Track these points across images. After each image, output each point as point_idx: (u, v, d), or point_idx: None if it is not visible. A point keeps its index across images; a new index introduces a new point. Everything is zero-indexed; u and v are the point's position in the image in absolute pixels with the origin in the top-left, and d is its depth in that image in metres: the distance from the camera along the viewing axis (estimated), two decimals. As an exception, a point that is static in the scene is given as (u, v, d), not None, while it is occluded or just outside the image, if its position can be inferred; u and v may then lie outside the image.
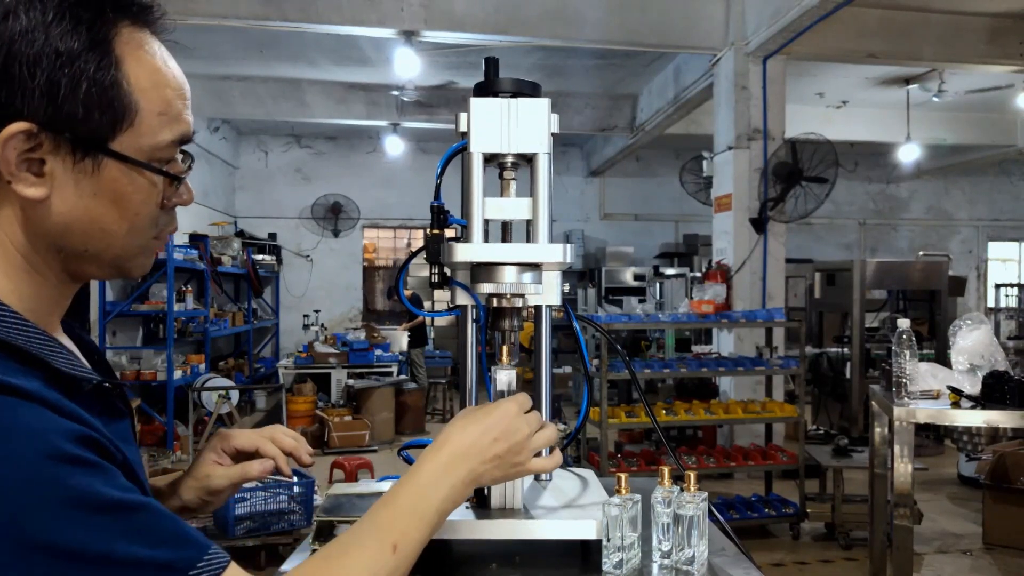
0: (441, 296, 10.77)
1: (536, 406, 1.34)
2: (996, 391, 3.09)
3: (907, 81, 9.11)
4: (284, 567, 1.08)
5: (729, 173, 6.80)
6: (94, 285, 7.30)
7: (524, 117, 1.19)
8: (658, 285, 11.18)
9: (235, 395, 7.80)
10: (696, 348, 6.90)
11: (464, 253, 1.15)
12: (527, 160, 1.22)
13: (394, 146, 11.45)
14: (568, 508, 1.20)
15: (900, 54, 7.19)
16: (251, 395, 9.77)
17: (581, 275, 12.53)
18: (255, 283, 10.85)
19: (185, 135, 0.79)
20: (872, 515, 3.90)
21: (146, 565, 0.63)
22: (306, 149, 12.57)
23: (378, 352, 9.02)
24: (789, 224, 6.67)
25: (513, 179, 1.25)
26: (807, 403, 6.26)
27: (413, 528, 0.85)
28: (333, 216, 12.35)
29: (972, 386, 3.18)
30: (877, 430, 3.71)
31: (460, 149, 1.22)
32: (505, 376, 1.11)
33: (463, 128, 1.19)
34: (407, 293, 1.30)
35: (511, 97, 1.20)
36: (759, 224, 6.62)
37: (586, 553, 1.15)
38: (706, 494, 1.14)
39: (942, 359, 5.11)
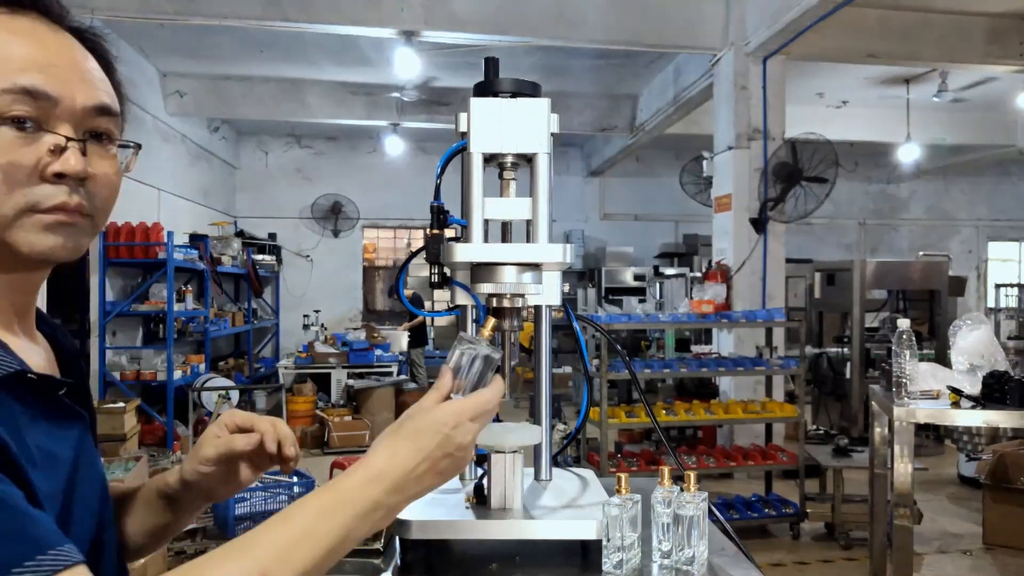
0: (441, 296, 10.77)
1: (536, 406, 1.34)
2: (996, 391, 3.09)
3: (907, 81, 9.11)
4: None
5: (729, 173, 6.80)
6: (94, 285, 7.30)
7: (524, 117, 1.19)
8: (658, 285, 11.18)
9: (235, 395, 7.80)
10: (696, 348, 6.89)
11: (464, 253, 1.15)
12: (527, 160, 1.22)
13: (394, 146, 11.45)
14: (568, 508, 1.20)
15: (900, 54, 7.19)
16: (251, 395, 9.76)
17: (581, 275, 12.53)
18: (255, 283, 10.85)
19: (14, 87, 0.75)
20: (872, 515, 3.90)
21: None
22: (306, 149, 12.57)
23: (378, 352, 9.01)
24: (789, 224, 6.67)
25: (513, 179, 1.25)
26: (807, 403, 6.26)
27: (298, 556, 0.74)
28: (333, 216, 12.35)
29: (972, 386, 3.18)
30: (877, 430, 3.71)
31: (460, 149, 1.22)
32: (467, 354, 0.93)
33: (463, 128, 1.20)
34: (407, 293, 1.30)
35: (511, 97, 1.20)
36: (759, 224, 6.62)
37: (586, 553, 1.15)
38: (706, 494, 1.14)
39: (942, 359, 5.12)
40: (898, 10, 6.83)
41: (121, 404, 6.34)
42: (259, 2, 6.29)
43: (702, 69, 7.54)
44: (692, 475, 1.13)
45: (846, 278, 7.58)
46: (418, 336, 10.19)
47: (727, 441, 6.27)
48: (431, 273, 1.19)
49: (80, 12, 6.24)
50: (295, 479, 4.38)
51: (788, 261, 7.10)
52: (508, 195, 1.25)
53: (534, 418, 1.32)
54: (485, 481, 1.21)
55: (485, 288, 1.16)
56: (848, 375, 7.44)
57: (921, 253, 11.07)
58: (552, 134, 1.20)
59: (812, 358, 7.72)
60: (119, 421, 6.16)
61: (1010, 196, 14.02)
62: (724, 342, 6.82)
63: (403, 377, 8.96)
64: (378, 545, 1.25)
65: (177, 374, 7.54)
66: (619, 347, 1.70)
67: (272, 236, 12.06)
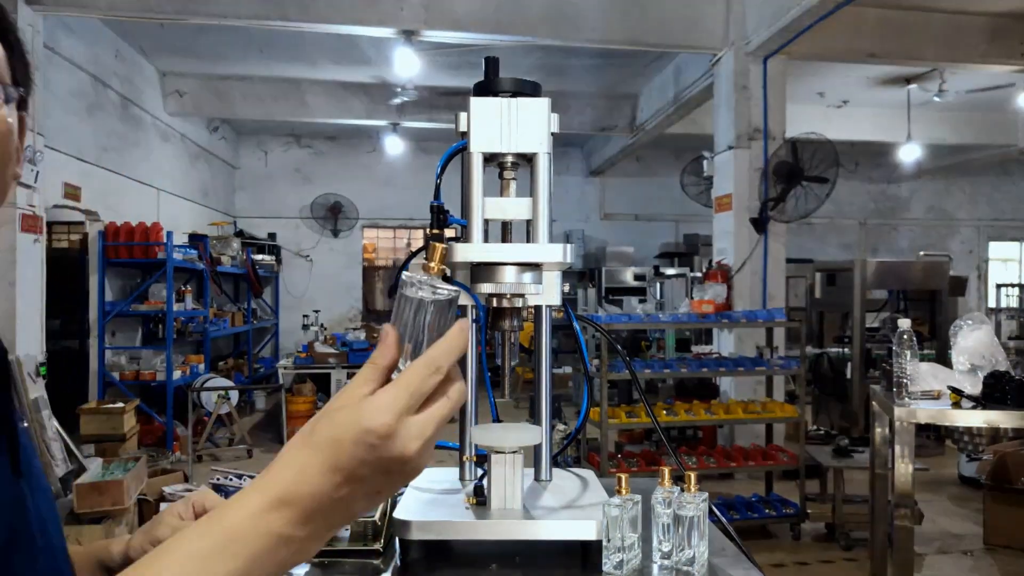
0: (441, 296, 10.74)
1: (536, 406, 1.34)
2: (997, 391, 3.09)
3: (908, 81, 9.11)
4: None
5: (729, 173, 6.80)
6: (93, 285, 7.30)
7: (524, 117, 1.19)
8: (658, 285, 11.17)
9: (234, 395, 7.80)
10: (696, 348, 6.89)
11: (464, 253, 1.14)
12: (527, 160, 1.22)
13: (394, 146, 11.45)
14: (568, 508, 1.20)
15: (901, 54, 7.19)
16: (251, 395, 9.77)
17: (581, 275, 12.53)
18: (255, 283, 10.85)
19: None
20: (873, 515, 3.90)
21: None
22: (306, 149, 12.57)
23: (378, 352, 8.99)
24: (790, 224, 6.67)
25: (513, 179, 1.25)
26: (807, 403, 6.25)
27: None
28: (333, 216, 12.35)
29: (973, 386, 3.17)
30: (878, 430, 3.70)
31: (460, 149, 1.21)
32: (410, 304, 0.66)
33: (463, 128, 1.19)
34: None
35: (511, 97, 1.19)
36: (759, 224, 6.62)
37: (586, 554, 1.15)
38: (706, 494, 1.14)
39: (943, 359, 5.11)
40: (898, 10, 6.83)
41: (120, 404, 6.33)
42: (258, 1, 6.28)
43: (702, 69, 7.54)
44: (692, 475, 1.12)
45: (847, 278, 7.57)
46: (418, 336, 10.17)
47: (727, 441, 6.27)
48: (431, 273, 1.19)
49: (80, 12, 6.26)
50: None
51: (789, 261, 7.10)
52: (508, 195, 1.24)
53: (534, 418, 1.32)
54: (485, 481, 1.20)
55: (485, 288, 1.16)
56: (849, 375, 7.43)
57: (922, 253, 11.07)
58: (552, 134, 1.20)
59: (813, 358, 7.72)
60: (118, 421, 6.16)
61: (1011, 196, 14.02)
62: (724, 342, 6.82)
63: (403, 377, 8.93)
64: (378, 545, 1.25)
65: (176, 374, 7.54)
66: (619, 347, 1.70)
67: (272, 236, 12.06)
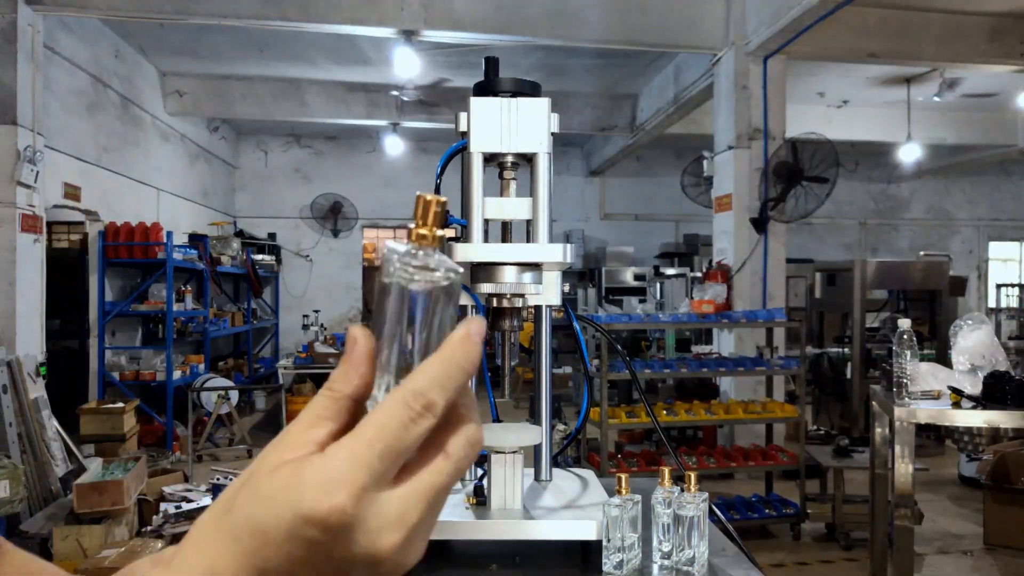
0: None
1: (536, 406, 1.34)
2: (997, 391, 3.09)
3: (908, 81, 9.11)
4: None
5: (729, 173, 6.80)
6: (93, 285, 7.30)
7: (524, 117, 1.18)
8: (658, 285, 11.17)
9: (234, 395, 7.80)
10: (696, 348, 6.89)
11: (464, 253, 1.14)
12: (527, 160, 1.22)
13: (394, 146, 11.45)
14: (568, 509, 1.20)
15: (901, 54, 7.19)
16: (250, 395, 9.77)
17: (581, 275, 12.52)
18: (254, 283, 10.85)
19: None
20: (873, 515, 3.89)
21: None
22: (306, 149, 12.57)
23: (378, 352, 8.98)
24: (790, 224, 6.67)
25: (513, 179, 1.25)
26: (807, 403, 6.25)
27: None
28: (333, 216, 12.35)
29: (973, 386, 3.17)
30: (878, 430, 3.70)
31: (460, 149, 1.21)
32: (402, 293, 0.42)
33: (463, 128, 1.19)
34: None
35: (511, 96, 1.19)
36: (760, 224, 6.62)
37: (586, 554, 1.14)
38: (706, 494, 1.14)
39: (943, 359, 5.11)
40: (898, 9, 6.83)
41: (120, 404, 6.34)
42: (258, 1, 6.28)
43: (702, 69, 7.54)
44: (692, 475, 1.12)
45: (847, 278, 7.58)
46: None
47: (727, 441, 6.27)
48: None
49: (80, 12, 6.26)
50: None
51: (789, 261, 7.10)
52: (508, 195, 1.24)
53: (534, 418, 1.32)
54: (485, 481, 1.20)
55: (485, 288, 1.16)
56: (849, 375, 7.43)
57: (922, 253, 11.08)
58: (552, 134, 1.20)
59: (813, 358, 7.72)
60: (118, 421, 6.16)
61: (1011, 196, 14.02)
62: (724, 342, 6.82)
63: (403, 377, 8.94)
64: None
65: (176, 374, 7.54)
66: (619, 347, 1.70)
67: (271, 236, 12.06)
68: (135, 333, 8.29)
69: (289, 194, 12.40)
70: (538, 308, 1.27)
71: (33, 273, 5.78)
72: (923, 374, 3.24)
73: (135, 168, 8.43)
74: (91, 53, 7.47)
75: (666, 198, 12.30)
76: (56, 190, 6.66)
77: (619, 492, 1.11)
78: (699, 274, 8.36)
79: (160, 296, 7.67)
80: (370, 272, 13.17)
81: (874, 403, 3.65)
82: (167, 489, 4.84)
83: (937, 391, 3.21)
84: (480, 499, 1.20)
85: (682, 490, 1.13)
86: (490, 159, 1.21)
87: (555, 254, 1.15)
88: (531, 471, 1.31)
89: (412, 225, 0.44)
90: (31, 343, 5.68)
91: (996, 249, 14.28)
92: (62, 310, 6.95)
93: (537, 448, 1.27)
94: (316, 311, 11.41)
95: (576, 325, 1.37)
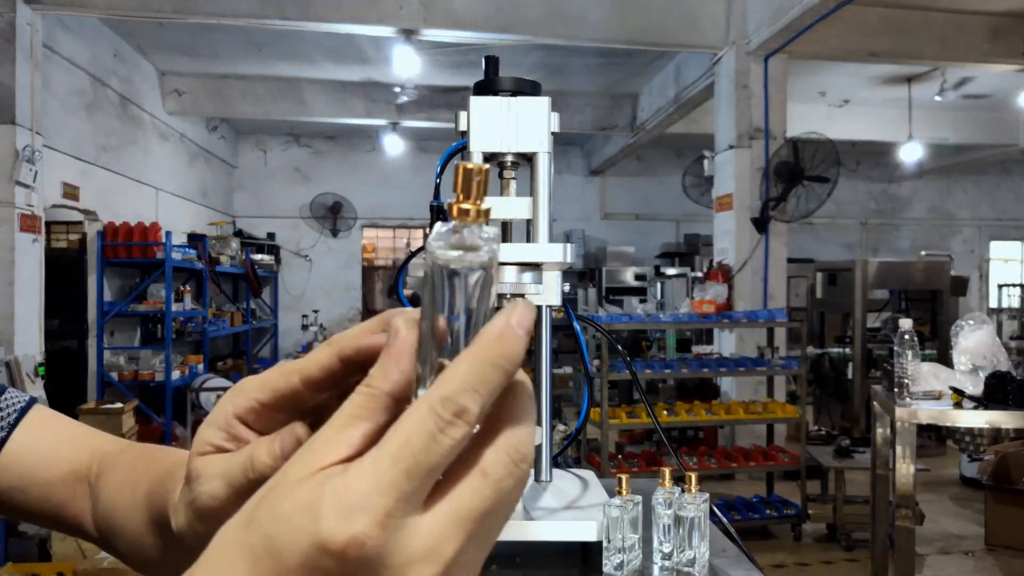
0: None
1: (536, 407, 1.32)
2: (998, 392, 3.08)
3: (909, 80, 9.10)
4: None
5: (730, 172, 6.79)
6: (92, 285, 7.30)
7: (524, 116, 1.18)
8: (659, 285, 11.17)
9: (235, 395, 7.78)
10: (697, 348, 6.89)
11: (463, 252, 1.13)
12: (527, 159, 1.21)
13: (393, 145, 11.45)
14: (569, 509, 1.19)
15: (902, 53, 7.18)
16: (251, 395, 9.74)
17: (581, 275, 12.51)
18: (254, 283, 10.84)
19: None
20: (874, 516, 3.89)
21: None
22: (305, 148, 12.57)
23: (378, 352, 8.98)
24: (791, 224, 6.66)
25: (513, 178, 1.24)
26: (808, 404, 6.24)
27: None
28: (332, 216, 12.34)
29: (974, 387, 3.17)
30: (879, 431, 3.70)
31: (460, 148, 1.20)
32: (469, 252, 0.36)
33: (463, 127, 1.18)
34: (407, 293, 1.28)
35: (511, 96, 1.18)
36: (760, 224, 6.61)
37: (587, 555, 1.14)
38: (707, 495, 1.13)
39: (944, 359, 5.10)
40: (900, 9, 6.82)
41: (119, 405, 6.33)
42: (258, 0, 6.28)
43: (703, 68, 7.54)
44: (693, 476, 1.11)
45: (848, 278, 7.57)
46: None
47: (728, 442, 6.26)
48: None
49: (79, 11, 6.26)
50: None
51: (790, 261, 7.09)
52: (508, 194, 1.23)
53: (534, 419, 1.31)
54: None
55: (484, 288, 1.15)
56: (850, 375, 7.43)
57: (923, 253, 11.07)
58: (552, 133, 1.19)
59: (814, 358, 7.71)
60: (117, 422, 6.15)
61: (1012, 196, 14.01)
62: (725, 342, 6.81)
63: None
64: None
65: (175, 374, 7.53)
66: (620, 347, 1.69)
67: (271, 236, 12.06)
68: (134, 333, 8.28)
69: (288, 194, 12.39)
70: (538, 308, 1.26)
71: (32, 273, 5.77)
72: (924, 374, 3.23)
73: (134, 168, 8.43)
74: (90, 52, 7.46)
75: (667, 198, 12.29)
76: (55, 190, 6.65)
77: (619, 493, 1.11)
78: (700, 274, 8.36)
79: (159, 296, 7.66)
80: (369, 272, 13.17)
81: (875, 403, 3.64)
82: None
83: (938, 391, 3.20)
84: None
85: (683, 491, 1.12)
86: (490, 158, 1.20)
87: (555, 254, 1.14)
88: (531, 472, 1.30)
89: (451, 200, 0.37)
90: (30, 343, 5.67)
91: (997, 249, 14.28)
92: (61, 310, 6.94)
93: (537, 448, 1.27)
94: (315, 311, 11.42)
95: (576, 325, 1.36)
